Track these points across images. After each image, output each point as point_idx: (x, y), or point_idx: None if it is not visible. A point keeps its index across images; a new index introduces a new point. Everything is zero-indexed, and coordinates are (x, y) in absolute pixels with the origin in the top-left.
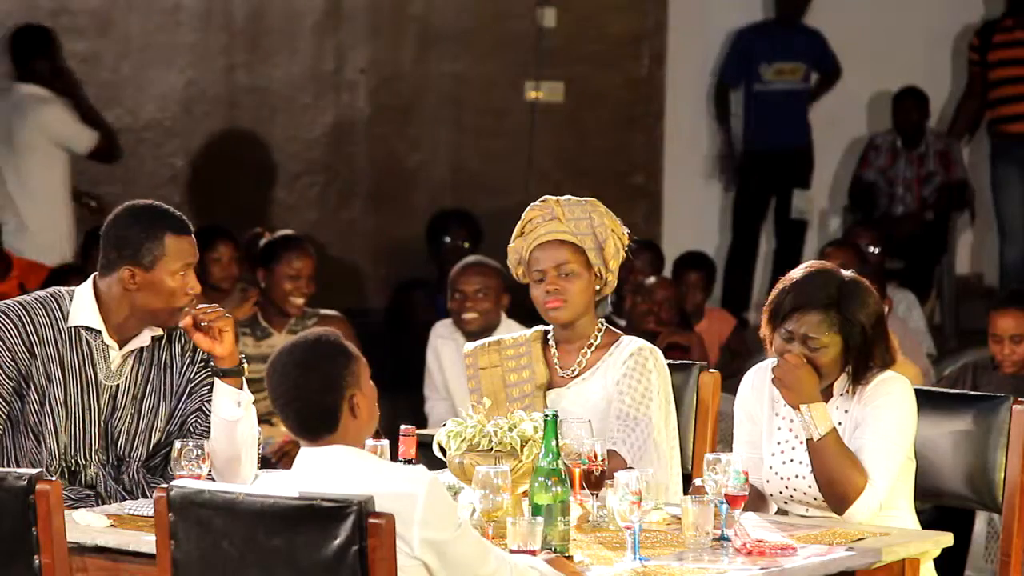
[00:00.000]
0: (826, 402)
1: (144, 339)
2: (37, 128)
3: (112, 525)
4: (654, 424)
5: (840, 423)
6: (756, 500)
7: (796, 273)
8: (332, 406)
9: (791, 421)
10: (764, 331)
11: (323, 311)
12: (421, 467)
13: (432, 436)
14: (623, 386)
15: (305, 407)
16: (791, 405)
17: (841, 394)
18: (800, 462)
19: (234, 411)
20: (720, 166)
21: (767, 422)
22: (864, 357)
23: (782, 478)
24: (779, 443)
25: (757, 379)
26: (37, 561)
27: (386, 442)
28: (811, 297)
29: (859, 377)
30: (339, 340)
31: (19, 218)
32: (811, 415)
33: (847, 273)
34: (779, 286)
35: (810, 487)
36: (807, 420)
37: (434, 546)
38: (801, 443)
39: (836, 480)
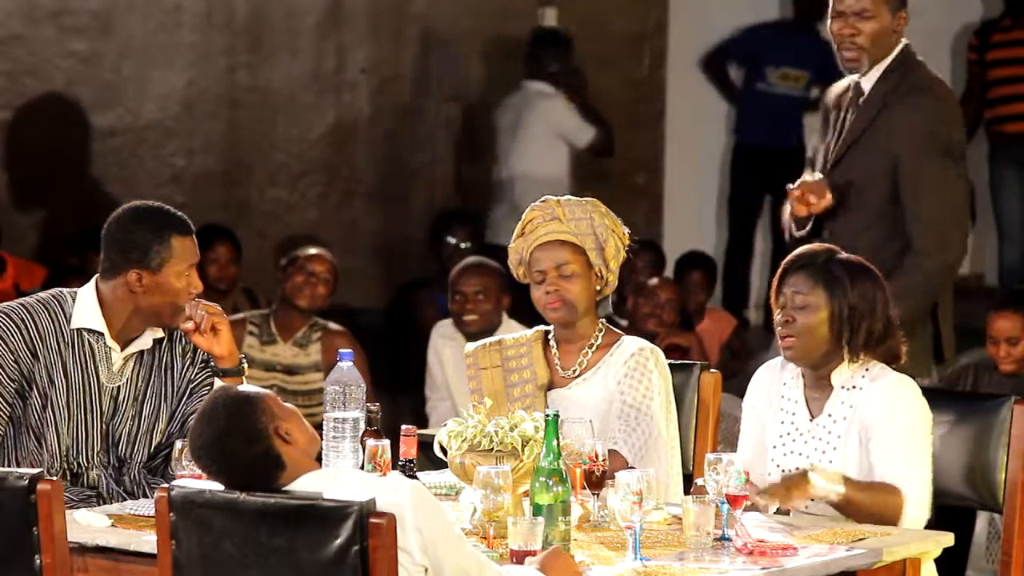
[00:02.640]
0: (827, 396)
1: (146, 341)
2: (542, 121)
3: (113, 525)
4: (655, 424)
5: (845, 418)
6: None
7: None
8: (268, 451)
9: (794, 414)
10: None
11: (330, 325)
12: (397, 475)
13: (433, 436)
14: (624, 386)
15: (246, 469)
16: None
17: (843, 387)
18: (800, 454)
19: None
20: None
21: (771, 415)
22: (852, 331)
23: (784, 470)
24: (781, 436)
25: (766, 375)
26: (38, 561)
27: (387, 442)
28: (800, 260)
29: (855, 357)
30: (231, 393)
31: (511, 205)
32: (822, 483)
33: (850, 256)
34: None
35: None
36: (823, 491)
37: (431, 549)
38: (801, 435)
39: (877, 514)
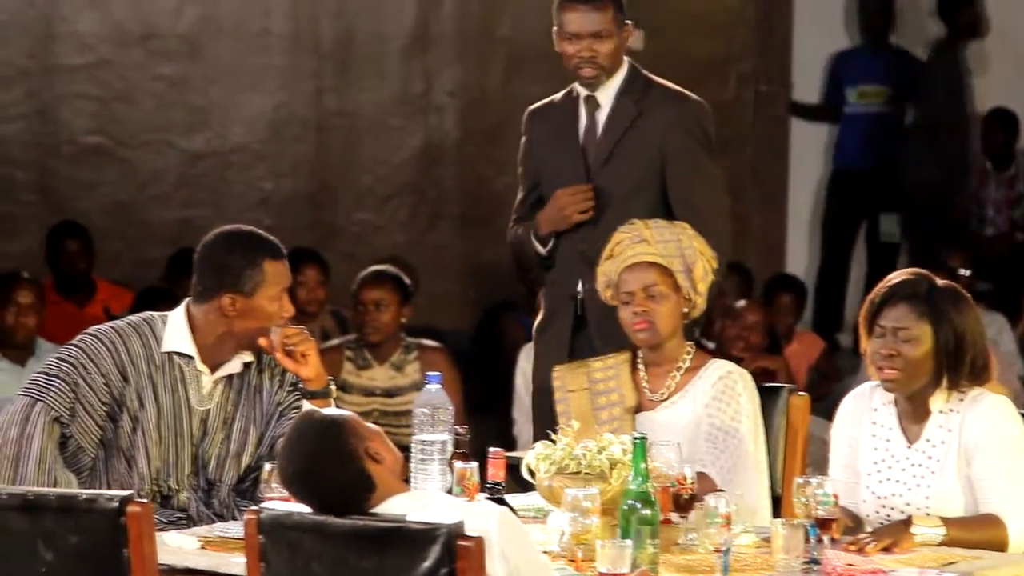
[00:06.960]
0: (924, 421)
1: (235, 365)
2: None
3: (202, 547)
4: (744, 447)
5: (944, 442)
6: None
7: (890, 276)
8: (359, 472)
9: (888, 440)
10: (863, 345)
11: (424, 341)
12: (485, 500)
13: (520, 459)
14: (713, 409)
15: (339, 492)
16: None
17: (940, 411)
18: (898, 481)
19: None
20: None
21: (865, 442)
22: (956, 363)
23: (878, 497)
24: (875, 463)
25: (856, 403)
26: None
27: (475, 464)
28: (901, 290)
29: (953, 386)
30: (316, 418)
31: None
32: (924, 530)
33: (944, 281)
34: (872, 294)
35: (907, 504)
36: (928, 537)
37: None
38: (898, 462)
39: (984, 545)
